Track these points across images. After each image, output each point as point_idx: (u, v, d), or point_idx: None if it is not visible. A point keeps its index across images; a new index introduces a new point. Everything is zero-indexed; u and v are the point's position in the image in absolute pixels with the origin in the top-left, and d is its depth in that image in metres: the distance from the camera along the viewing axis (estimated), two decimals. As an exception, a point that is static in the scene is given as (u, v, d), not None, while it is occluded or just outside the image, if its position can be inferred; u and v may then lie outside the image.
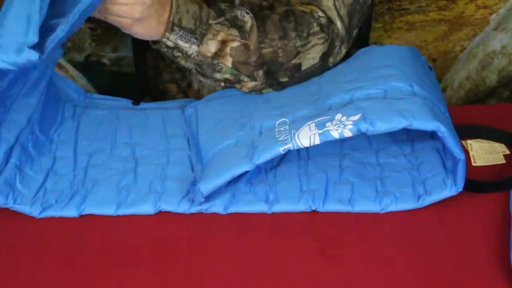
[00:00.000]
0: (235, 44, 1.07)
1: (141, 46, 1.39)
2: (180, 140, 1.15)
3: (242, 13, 1.07)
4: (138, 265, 0.96)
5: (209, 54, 1.07)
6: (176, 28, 1.04)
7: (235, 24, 1.07)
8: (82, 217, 1.04)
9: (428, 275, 0.94)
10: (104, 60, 1.72)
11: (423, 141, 1.11)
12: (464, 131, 1.14)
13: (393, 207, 1.03)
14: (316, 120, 1.00)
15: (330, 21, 1.14)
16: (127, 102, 1.22)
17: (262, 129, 1.05)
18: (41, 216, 1.04)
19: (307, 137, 0.98)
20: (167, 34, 1.04)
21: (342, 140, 1.12)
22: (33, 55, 0.88)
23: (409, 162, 1.09)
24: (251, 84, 1.11)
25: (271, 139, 1.01)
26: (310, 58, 1.13)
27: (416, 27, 1.73)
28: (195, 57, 1.07)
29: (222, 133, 1.09)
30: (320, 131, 0.98)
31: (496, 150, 1.15)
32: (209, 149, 1.08)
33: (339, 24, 1.14)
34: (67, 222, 1.04)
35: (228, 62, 1.08)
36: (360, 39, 1.30)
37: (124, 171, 1.10)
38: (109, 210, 1.04)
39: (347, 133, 0.97)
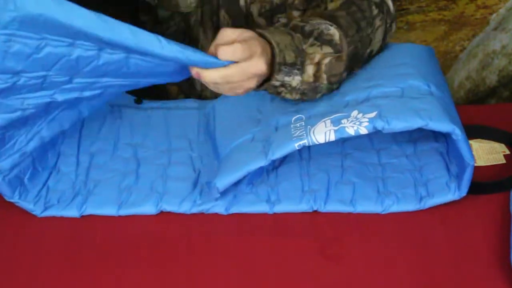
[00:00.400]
0: (327, 60, 1.05)
1: (145, 18, 1.38)
2: (182, 140, 1.15)
3: (326, 27, 1.05)
4: (139, 265, 0.96)
5: (311, 80, 1.04)
6: (282, 67, 1.01)
7: (324, 40, 1.05)
8: (83, 216, 1.04)
9: (428, 275, 0.94)
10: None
11: (426, 143, 1.11)
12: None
13: (395, 208, 1.03)
14: (332, 117, 1.00)
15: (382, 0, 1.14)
16: (129, 99, 1.22)
17: (278, 125, 1.06)
18: (43, 215, 1.04)
19: (323, 133, 0.98)
20: (276, 76, 1.02)
21: (344, 140, 1.12)
22: None
23: (411, 163, 1.09)
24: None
25: (286, 134, 1.01)
26: (377, 41, 1.13)
27: (416, 27, 1.73)
28: (300, 87, 1.04)
29: (239, 129, 1.09)
30: (336, 128, 0.98)
31: (496, 150, 1.15)
32: (226, 145, 1.08)
33: (390, 2, 1.15)
34: (67, 221, 1.04)
35: (324, 79, 1.05)
36: None
37: (126, 172, 1.10)
38: (110, 211, 1.04)
39: (363, 130, 0.97)
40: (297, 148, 0.99)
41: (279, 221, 1.03)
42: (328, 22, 1.06)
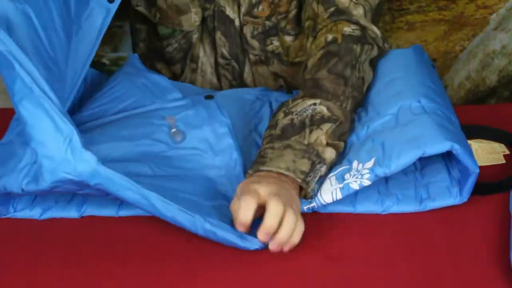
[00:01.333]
0: (336, 133, 1.05)
1: (141, 47, 1.39)
2: None
3: (312, 108, 1.05)
4: (139, 266, 0.96)
5: (334, 156, 1.04)
6: (307, 179, 1.00)
7: (318, 121, 1.04)
8: (82, 217, 1.04)
9: (428, 275, 0.94)
10: (104, 60, 1.72)
11: None
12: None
13: (395, 209, 1.03)
14: (336, 172, 1.02)
15: (364, 28, 1.13)
16: None
17: None
18: (42, 218, 1.04)
19: (329, 192, 1.01)
20: (308, 191, 1.02)
21: None
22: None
23: (412, 164, 1.09)
24: None
25: None
26: (368, 72, 1.13)
27: (416, 27, 1.73)
28: (329, 166, 1.04)
29: None
30: (341, 185, 1.01)
31: (496, 150, 1.15)
32: None
33: (374, 27, 1.15)
34: (67, 222, 1.04)
35: (342, 146, 1.06)
36: None
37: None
38: (110, 211, 1.04)
39: (366, 183, 1.00)
40: (306, 211, 1.02)
41: (279, 221, 1.03)
42: (311, 100, 1.05)
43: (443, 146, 0.98)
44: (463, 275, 0.94)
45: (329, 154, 1.04)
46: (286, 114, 1.06)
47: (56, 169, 0.90)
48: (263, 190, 0.95)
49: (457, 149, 0.98)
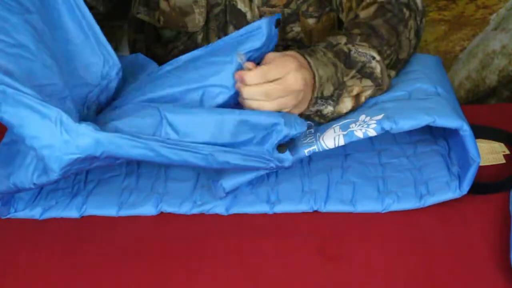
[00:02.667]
0: (368, 92, 1.06)
1: (140, 46, 1.39)
2: None
3: (369, 59, 1.06)
4: (139, 265, 0.96)
5: (345, 111, 1.06)
6: (318, 101, 1.03)
7: (366, 73, 1.06)
8: (82, 217, 1.04)
9: (428, 275, 0.94)
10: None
11: (426, 146, 1.12)
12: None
13: (395, 207, 1.04)
14: (340, 123, 1.02)
15: None
16: None
17: None
18: (43, 217, 1.04)
19: (332, 138, 1.00)
20: (310, 108, 1.04)
21: None
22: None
23: (412, 163, 1.10)
24: None
25: (296, 141, 1.02)
26: (414, 42, 1.14)
27: (416, 27, 1.73)
28: (330, 116, 1.06)
29: None
30: (345, 132, 1.00)
31: (496, 150, 1.16)
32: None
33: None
34: (67, 222, 1.04)
35: (358, 104, 1.07)
36: None
37: (126, 172, 1.10)
38: (110, 211, 1.04)
39: (371, 132, 0.99)
40: (307, 154, 1.01)
41: (279, 221, 1.03)
42: (370, 52, 1.07)
43: (454, 122, 0.98)
44: (463, 275, 0.94)
45: (346, 104, 1.05)
46: (348, 43, 1.07)
47: (59, 155, 0.89)
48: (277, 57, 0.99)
49: (466, 129, 0.98)
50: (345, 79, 1.04)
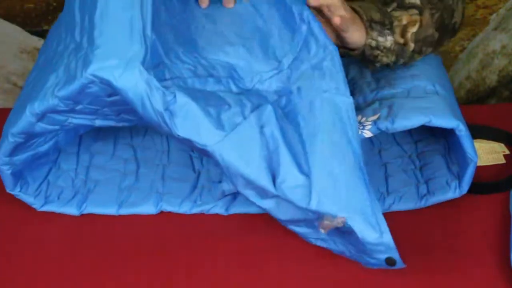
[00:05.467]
0: (415, 28, 1.05)
1: None
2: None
3: None
4: (139, 265, 0.96)
5: (401, 41, 1.05)
6: (372, 24, 1.02)
7: (407, 5, 1.06)
8: (82, 216, 1.04)
9: (428, 275, 0.94)
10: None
11: (426, 145, 1.12)
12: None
13: (396, 207, 1.04)
14: None
15: None
16: None
17: None
18: (42, 209, 1.04)
19: None
20: (370, 33, 1.03)
21: None
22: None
23: (412, 162, 1.10)
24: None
25: None
26: (459, 13, 1.13)
27: (416, 27, 1.72)
28: (394, 48, 1.05)
29: None
30: None
31: (496, 150, 1.16)
32: None
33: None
34: (67, 221, 1.04)
35: (411, 46, 1.06)
36: None
37: (126, 172, 1.10)
38: (110, 210, 1.04)
39: (367, 134, 0.98)
40: None
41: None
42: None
43: (450, 122, 0.98)
44: (463, 275, 0.94)
45: (398, 33, 1.04)
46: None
47: (104, 66, 0.86)
48: None
49: (461, 129, 0.98)
50: (388, 9, 1.04)
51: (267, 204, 0.94)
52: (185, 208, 1.05)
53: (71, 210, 1.04)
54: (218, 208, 1.04)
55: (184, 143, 0.93)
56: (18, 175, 1.03)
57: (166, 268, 0.96)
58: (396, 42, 1.04)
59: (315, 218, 0.91)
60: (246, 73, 0.98)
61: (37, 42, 1.62)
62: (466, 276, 0.94)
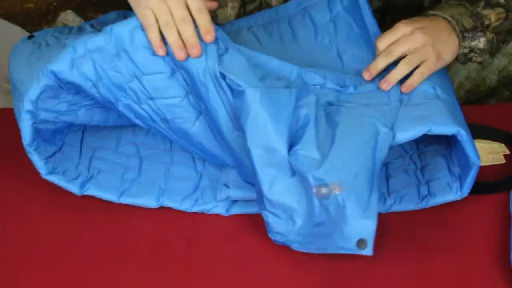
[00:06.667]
0: (499, 21, 1.08)
1: None
2: None
3: None
4: (139, 265, 0.96)
5: (491, 36, 1.07)
6: (465, 34, 1.05)
7: (494, 4, 1.08)
8: (81, 214, 1.04)
9: (428, 275, 0.94)
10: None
11: (428, 146, 1.12)
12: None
13: (397, 207, 1.04)
14: None
15: None
16: None
17: None
18: (47, 177, 1.04)
19: None
20: (462, 44, 1.05)
21: None
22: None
23: (414, 163, 1.10)
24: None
25: None
26: None
27: (416, 27, 1.72)
28: (487, 47, 1.07)
29: None
30: None
31: (496, 150, 1.16)
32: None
33: None
34: (66, 218, 1.04)
35: (495, 39, 1.09)
36: None
37: (129, 166, 1.10)
38: (111, 196, 1.05)
39: None
40: None
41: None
42: None
43: (450, 128, 0.97)
44: (463, 275, 0.94)
45: (488, 35, 1.07)
46: None
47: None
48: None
49: (463, 134, 0.98)
50: (478, 9, 1.06)
51: None
52: (186, 206, 1.04)
53: (74, 188, 1.05)
54: (219, 209, 1.04)
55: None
56: (37, 133, 1.03)
57: (166, 268, 0.96)
58: (488, 41, 1.07)
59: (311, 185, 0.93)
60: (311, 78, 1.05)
61: (37, 42, 1.62)
62: (466, 276, 0.94)
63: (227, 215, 1.04)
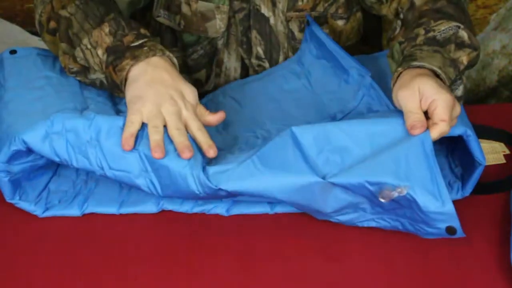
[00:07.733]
0: (472, 55, 1.06)
1: None
2: None
3: (455, 29, 1.05)
4: (139, 265, 0.96)
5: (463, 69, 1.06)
6: (452, 86, 1.03)
7: (461, 44, 1.05)
8: (83, 216, 1.04)
9: (428, 275, 0.94)
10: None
11: None
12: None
13: None
14: None
15: None
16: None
17: None
18: (44, 215, 1.04)
19: None
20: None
21: None
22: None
23: None
24: None
25: None
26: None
27: (416, 27, 1.72)
28: (464, 94, 1.06)
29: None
30: None
31: (496, 150, 1.16)
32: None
33: None
34: (68, 221, 1.04)
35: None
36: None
37: None
38: (111, 209, 1.04)
39: None
40: None
41: (279, 221, 1.03)
42: (452, 23, 1.06)
43: (457, 129, 0.98)
44: (463, 275, 0.94)
45: (464, 80, 1.05)
46: (427, 31, 1.06)
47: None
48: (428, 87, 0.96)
49: (469, 134, 0.98)
50: (451, 55, 1.04)
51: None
52: (186, 208, 1.04)
53: (73, 211, 1.04)
54: (219, 209, 1.04)
55: None
56: (17, 184, 1.03)
57: (167, 268, 0.96)
58: (464, 86, 1.06)
59: (375, 191, 0.93)
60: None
61: (37, 42, 1.62)
62: (466, 276, 0.94)
63: (227, 215, 1.04)
